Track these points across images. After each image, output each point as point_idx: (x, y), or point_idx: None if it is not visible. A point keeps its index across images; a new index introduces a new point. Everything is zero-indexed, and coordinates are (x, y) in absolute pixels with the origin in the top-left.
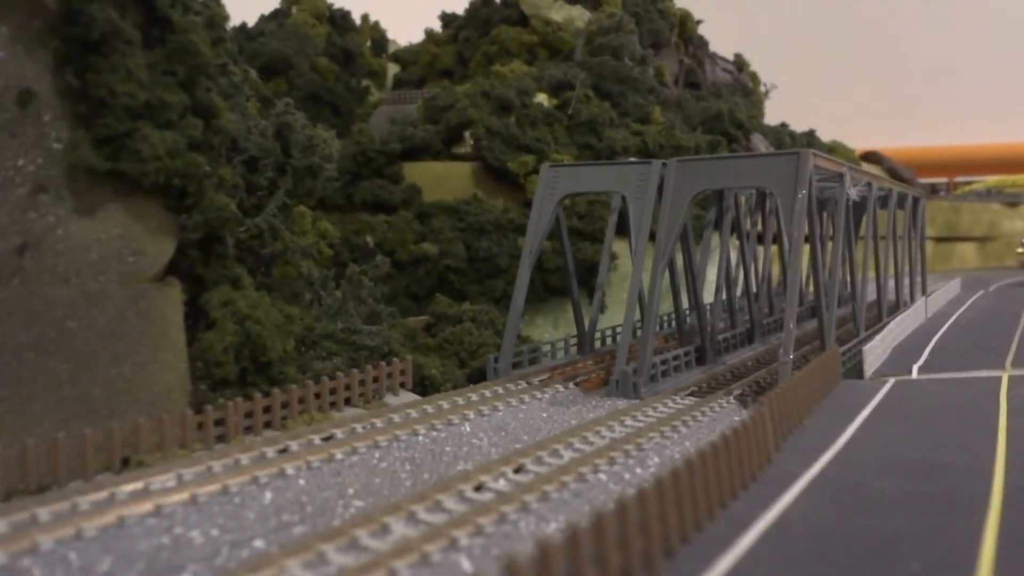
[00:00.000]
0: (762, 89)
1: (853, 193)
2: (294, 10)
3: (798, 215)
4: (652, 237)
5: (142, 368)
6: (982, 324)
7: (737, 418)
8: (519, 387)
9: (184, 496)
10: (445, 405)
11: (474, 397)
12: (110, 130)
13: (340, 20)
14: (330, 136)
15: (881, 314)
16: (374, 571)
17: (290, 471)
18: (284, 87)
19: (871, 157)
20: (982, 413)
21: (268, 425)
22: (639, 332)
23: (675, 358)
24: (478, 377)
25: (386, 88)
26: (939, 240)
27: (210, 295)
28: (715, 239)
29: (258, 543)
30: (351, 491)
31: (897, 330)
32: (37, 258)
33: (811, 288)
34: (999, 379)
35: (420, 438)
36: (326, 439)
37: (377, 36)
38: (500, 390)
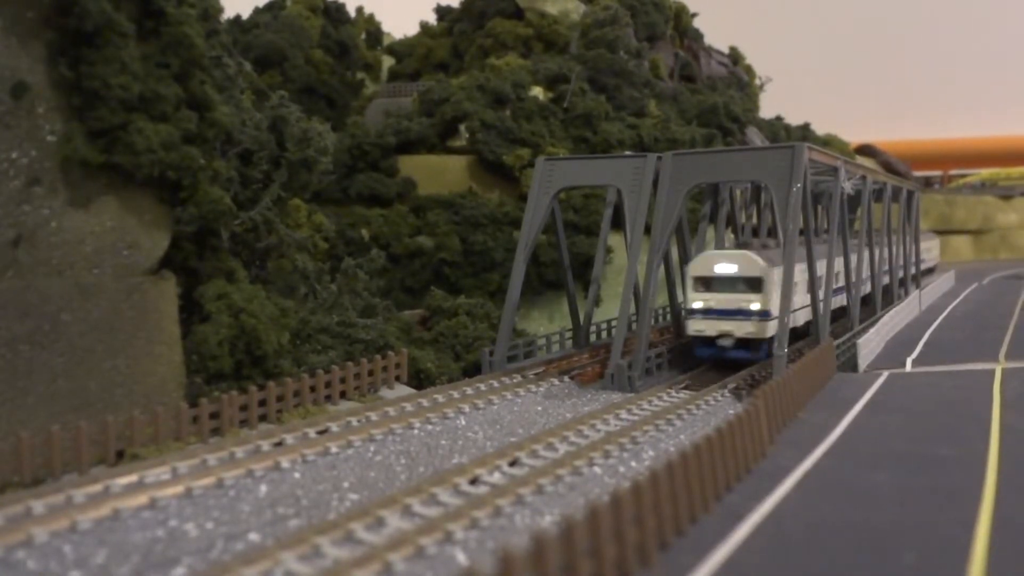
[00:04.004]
0: (757, 82)
1: (848, 186)
2: (288, 2)
3: (793, 208)
4: (647, 230)
5: (137, 361)
6: (976, 317)
7: (732, 411)
8: (514, 380)
9: (179, 489)
10: (440, 398)
11: (469, 391)
12: (104, 122)
13: (335, 12)
14: (325, 129)
15: (875, 307)
16: (369, 564)
17: (285, 464)
18: (279, 80)
19: (866, 150)
20: (975, 406)
21: (263, 418)
22: (635, 325)
23: (671, 351)
24: (473, 371)
25: (381, 81)
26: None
27: (205, 288)
28: (710, 232)
29: (253, 536)
30: (346, 484)
31: (891, 323)
32: (31, 251)
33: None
34: (992, 372)
35: (415, 431)
36: (321, 432)
37: (372, 29)
38: (495, 383)
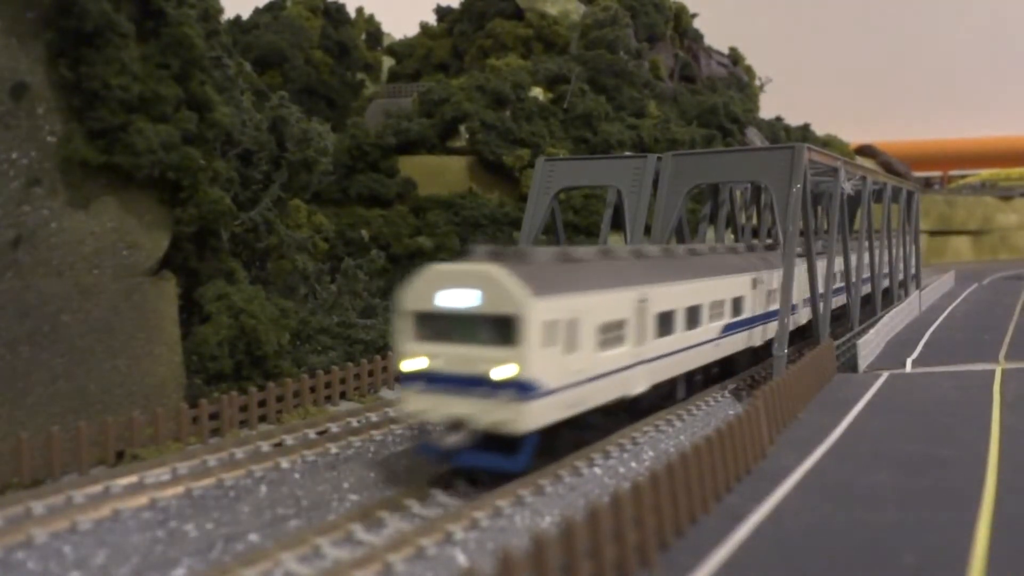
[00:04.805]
0: (757, 83)
1: (848, 187)
2: (289, 3)
3: (793, 209)
4: (647, 231)
5: (136, 362)
6: (976, 317)
7: (731, 412)
8: None
9: (179, 490)
10: None
11: None
12: (104, 123)
13: (335, 13)
14: (325, 130)
15: (875, 308)
16: (369, 565)
17: (285, 465)
18: (279, 80)
19: (866, 151)
20: (975, 407)
21: (263, 419)
22: None
23: None
24: None
25: (381, 81)
26: (933, 234)
27: (205, 289)
28: (710, 233)
29: (253, 537)
30: (346, 485)
31: (891, 324)
32: (31, 251)
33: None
34: (992, 372)
35: (415, 431)
36: (321, 433)
37: (372, 29)
38: None
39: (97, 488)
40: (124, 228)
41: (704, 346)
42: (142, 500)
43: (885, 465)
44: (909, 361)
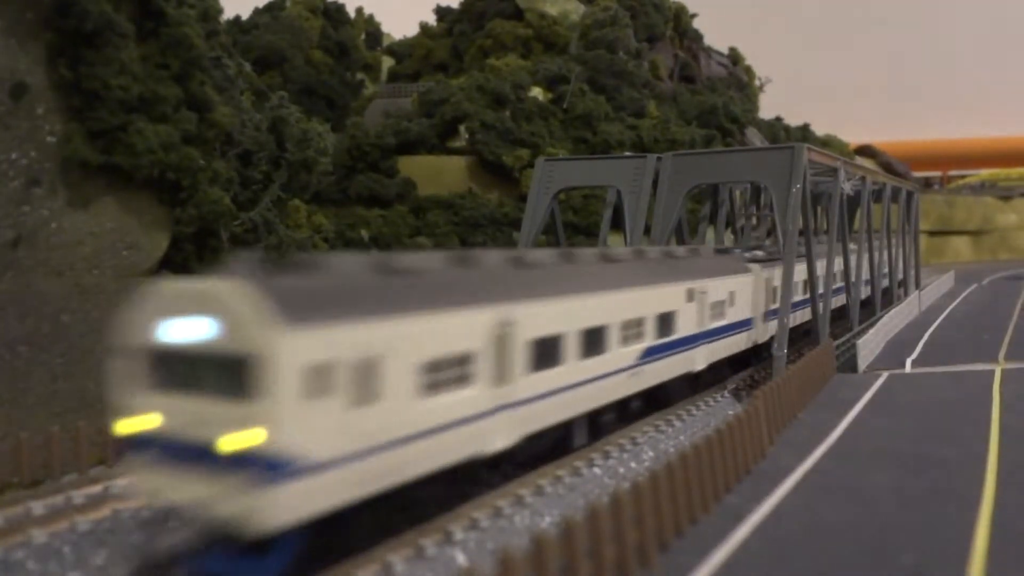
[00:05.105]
0: (757, 83)
1: (847, 187)
2: (288, 3)
3: (792, 209)
4: (647, 231)
5: None
6: (975, 318)
7: (731, 412)
8: None
9: None
10: None
11: None
12: (104, 123)
13: (334, 13)
14: (325, 130)
15: (875, 308)
16: (369, 565)
17: None
18: (278, 80)
19: (865, 151)
20: (975, 407)
21: None
22: None
23: None
24: None
25: (381, 82)
26: (933, 234)
27: None
28: (710, 233)
29: None
30: None
31: (891, 324)
32: (31, 251)
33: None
34: (992, 373)
35: None
36: None
37: (371, 29)
38: None
39: (97, 488)
40: (124, 228)
41: (614, 377)
42: (142, 500)
43: (885, 465)
44: (909, 361)
